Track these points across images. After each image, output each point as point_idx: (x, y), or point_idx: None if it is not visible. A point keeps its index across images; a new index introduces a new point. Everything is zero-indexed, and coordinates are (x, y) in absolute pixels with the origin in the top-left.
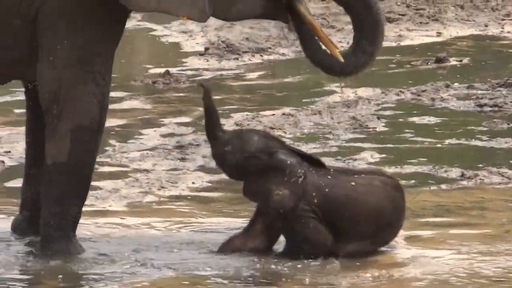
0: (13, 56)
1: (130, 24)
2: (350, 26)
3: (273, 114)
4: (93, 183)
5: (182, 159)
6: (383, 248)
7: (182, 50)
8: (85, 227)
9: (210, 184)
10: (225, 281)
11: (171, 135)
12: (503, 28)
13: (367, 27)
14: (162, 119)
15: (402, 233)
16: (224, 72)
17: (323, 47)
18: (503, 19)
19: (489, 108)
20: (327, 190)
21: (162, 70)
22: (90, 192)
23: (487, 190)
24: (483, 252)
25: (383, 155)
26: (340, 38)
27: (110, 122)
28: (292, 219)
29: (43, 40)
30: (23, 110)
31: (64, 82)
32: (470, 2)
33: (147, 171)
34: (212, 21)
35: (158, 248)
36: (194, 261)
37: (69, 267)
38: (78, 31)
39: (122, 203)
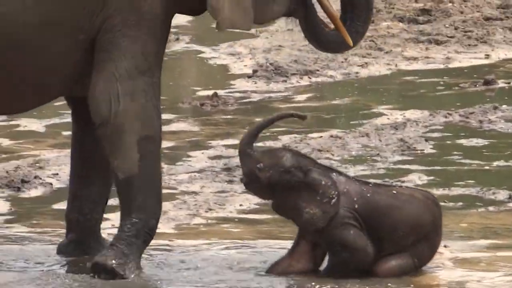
0: (65, 72)
1: (178, 46)
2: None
3: (321, 136)
4: None
5: (230, 181)
6: (429, 269)
7: (230, 72)
8: None
9: (257, 206)
10: None
11: (219, 157)
12: None
13: (360, 8)
14: (210, 141)
15: (449, 255)
16: (272, 95)
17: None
18: None
19: None
20: (368, 195)
21: (210, 92)
22: None
23: None
24: None
25: (431, 177)
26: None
27: None
28: (332, 227)
29: (103, 55)
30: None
31: (125, 94)
32: None
33: (195, 193)
34: (261, 43)
35: (206, 270)
36: (245, 283)
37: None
38: (140, 44)
39: (170, 225)
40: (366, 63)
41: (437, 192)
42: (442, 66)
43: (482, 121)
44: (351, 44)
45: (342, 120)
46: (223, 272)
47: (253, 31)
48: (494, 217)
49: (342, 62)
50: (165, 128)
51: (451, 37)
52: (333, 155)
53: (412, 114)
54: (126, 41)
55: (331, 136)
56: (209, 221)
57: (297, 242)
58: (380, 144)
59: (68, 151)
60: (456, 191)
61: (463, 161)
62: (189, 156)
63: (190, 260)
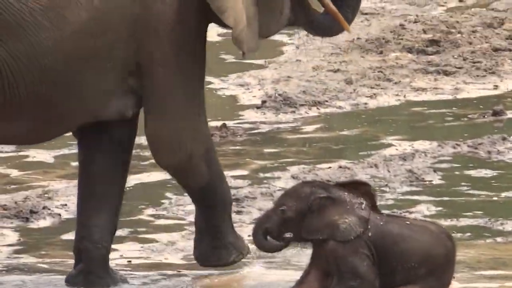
0: (94, 100)
1: None
2: None
3: (330, 167)
4: (149, 236)
5: (238, 212)
6: None
7: (239, 103)
8: (141, 279)
9: None
10: None
11: None
12: None
13: None
14: None
15: (457, 285)
16: (281, 125)
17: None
18: None
19: None
20: (381, 223)
21: (219, 123)
22: (146, 245)
23: None
24: None
25: (439, 208)
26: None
27: (166, 175)
28: (347, 252)
29: (147, 91)
30: None
31: (185, 129)
32: None
33: None
34: (269, 74)
35: None
36: None
37: None
38: (185, 73)
39: (178, 256)
40: (374, 94)
41: (445, 222)
42: (450, 97)
43: (491, 152)
44: (349, 29)
45: (350, 150)
46: None
47: (262, 61)
48: (502, 248)
49: (351, 93)
50: None
51: (459, 68)
52: None
53: (421, 145)
54: (168, 72)
55: (340, 166)
56: None
57: (308, 271)
58: (389, 175)
59: (76, 182)
60: (464, 221)
61: (471, 192)
62: None
63: None
